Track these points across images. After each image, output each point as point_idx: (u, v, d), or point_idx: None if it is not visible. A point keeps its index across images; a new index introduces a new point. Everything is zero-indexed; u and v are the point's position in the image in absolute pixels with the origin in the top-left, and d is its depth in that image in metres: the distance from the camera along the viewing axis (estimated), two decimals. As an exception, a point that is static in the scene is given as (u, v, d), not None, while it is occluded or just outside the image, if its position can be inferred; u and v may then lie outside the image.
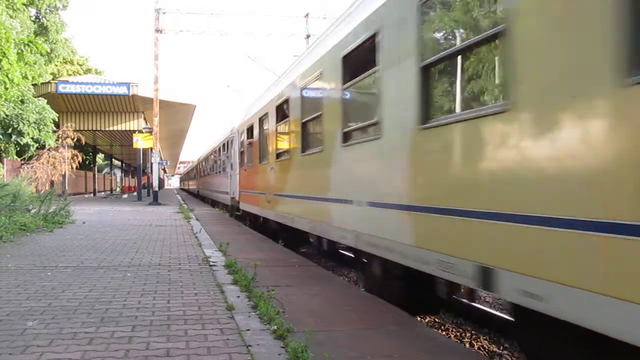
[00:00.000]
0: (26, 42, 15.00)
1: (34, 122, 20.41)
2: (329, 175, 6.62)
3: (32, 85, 21.76)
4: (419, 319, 5.17)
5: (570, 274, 2.73)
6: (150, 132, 25.62)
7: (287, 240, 10.05)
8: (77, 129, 26.48)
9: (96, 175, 43.96)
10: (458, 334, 5.48)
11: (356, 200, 5.68)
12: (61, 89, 25.08)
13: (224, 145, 19.86)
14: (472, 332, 5.47)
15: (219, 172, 21.47)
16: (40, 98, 21.84)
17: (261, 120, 11.78)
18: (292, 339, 3.36)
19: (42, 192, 18.42)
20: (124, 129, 29.29)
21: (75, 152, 26.36)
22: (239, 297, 4.77)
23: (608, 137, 2.56)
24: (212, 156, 24.85)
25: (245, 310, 4.31)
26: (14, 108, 19.35)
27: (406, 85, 4.49)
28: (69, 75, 38.31)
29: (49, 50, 28.86)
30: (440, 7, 4.31)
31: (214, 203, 25.58)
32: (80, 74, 39.14)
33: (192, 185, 45.68)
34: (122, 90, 25.70)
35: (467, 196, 3.63)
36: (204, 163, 30.90)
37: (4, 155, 22.51)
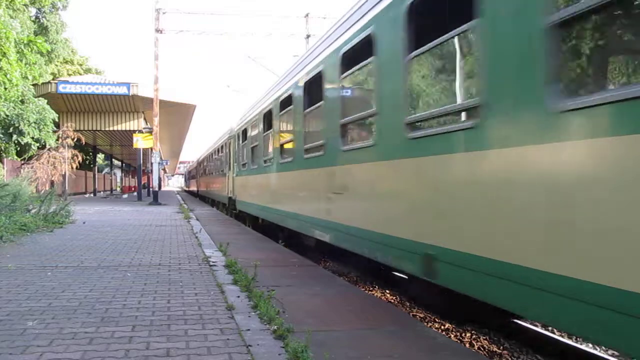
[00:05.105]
0: (26, 41, 15.00)
1: (34, 122, 20.41)
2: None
3: (32, 85, 21.76)
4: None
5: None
6: (150, 132, 25.63)
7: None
8: (77, 129, 26.49)
9: (96, 175, 43.95)
10: (458, 334, 5.48)
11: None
12: (61, 89, 25.07)
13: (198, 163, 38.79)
14: (472, 332, 5.47)
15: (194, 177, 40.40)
16: (40, 98, 21.83)
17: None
18: (292, 339, 3.36)
19: (42, 192, 18.43)
20: (124, 129, 29.29)
21: (75, 152, 26.38)
22: (239, 297, 4.78)
23: None
24: (194, 169, 43.52)
25: (245, 310, 4.31)
26: (14, 108, 19.35)
27: None
28: (69, 75, 38.28)
29: (49, 49, 28.85)
30: None
31: (213, 203, 26.28)
32: (80, 74, 39.13)
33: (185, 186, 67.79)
34: (122, 90, 25.70)
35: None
36: (193, 170, 48.00)
37: (4, 155, 22.50)
